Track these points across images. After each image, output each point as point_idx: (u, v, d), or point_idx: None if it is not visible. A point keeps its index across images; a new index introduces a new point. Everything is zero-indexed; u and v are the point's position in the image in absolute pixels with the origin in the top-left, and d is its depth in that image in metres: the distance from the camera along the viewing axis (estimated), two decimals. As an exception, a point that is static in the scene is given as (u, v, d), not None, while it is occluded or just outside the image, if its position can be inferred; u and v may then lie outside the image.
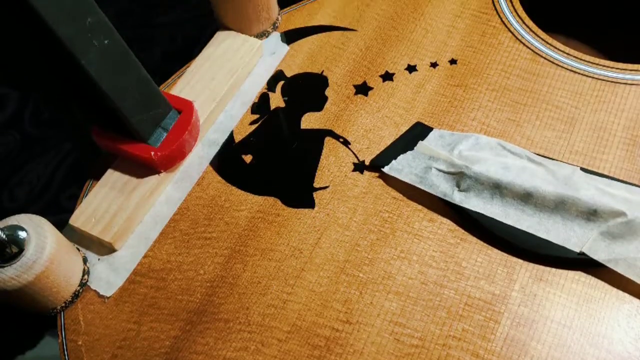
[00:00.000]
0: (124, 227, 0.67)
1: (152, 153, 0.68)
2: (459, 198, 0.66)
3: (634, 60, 0.76)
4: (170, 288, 0.65)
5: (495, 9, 0.81)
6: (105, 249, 0.68)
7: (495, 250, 0.64)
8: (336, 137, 0.73)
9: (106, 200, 0.68)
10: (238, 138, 0.74)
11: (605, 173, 0.67)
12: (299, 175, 0.71)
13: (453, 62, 0.77)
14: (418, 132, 0.71)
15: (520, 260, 0.63)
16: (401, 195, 0.68)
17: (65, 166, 1.12)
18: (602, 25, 0.98)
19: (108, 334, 0.63)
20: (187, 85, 0.76)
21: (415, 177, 0.68)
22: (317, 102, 0.76)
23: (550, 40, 0.78)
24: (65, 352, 0.64)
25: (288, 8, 0.85)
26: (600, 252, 0.61)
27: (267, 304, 0.63)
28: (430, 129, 0.71)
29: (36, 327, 0.74)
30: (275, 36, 0.82)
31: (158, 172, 0.70)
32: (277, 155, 0.73)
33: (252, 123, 0.75)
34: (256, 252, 0.66)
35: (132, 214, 0.67)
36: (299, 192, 0.70)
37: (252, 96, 0.78)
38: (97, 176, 0.71)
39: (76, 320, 0.64)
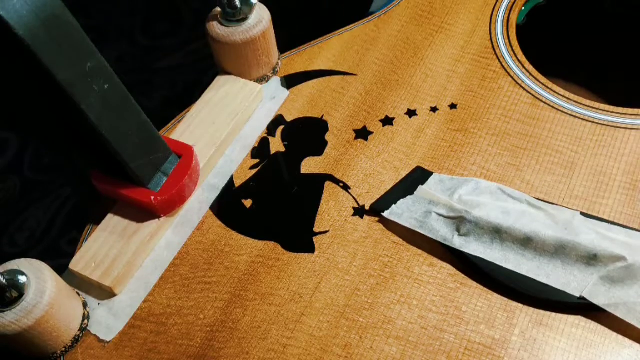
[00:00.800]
0: (124, 271, 0.68)
1: (152, 198, 0.69)
2: (459, 243, 0.67)
3: (633, 104, 0.78)
4: (170, 333, 0.66)
5: (495, 53, 0.83)
6: (105, 293, 0.69)
7: (495, 295, 0.65)
8: (336, 181, 0.74)
9: (106, 245, 0.69)
10: (238, 182, 0.76)
11: (605, 218, 0.68)
12: (299, 220, 0.72)
13: (453, 106, 0.79)
14: (418, 177, 0.73)
15: (520, 305, 0.64)
16: (401, 239, 0.69)
17: (65, 211, 1.13)
18: (601, 69, 0.99)
19: (107, 379, 0.65)
20: (187, 129, 0.78)
21: (415, 221, 0.69)
22: (317, 147, 0.77)
23: (550, 84, 0.79)
24: (65, 398, 0.65)
25: (288, 52, 0.87)
26: (600, 297, 0.62)
27: (267, 349, 0.64)
28: (430, 174, 0.73)
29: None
30: (275, 80, 0.84)
31: (158, 217, 0.71)
32: (277, 200, 0.74)
33: (252, 167, 0.77)
34: (256, 297, 0.67)
35: (132, 258, 0.69)
36: (299, 237, 0.71)
37: (252, 141, 0.79)
38: (97, 221, 0.72)
39: (76, 365, 0.65)
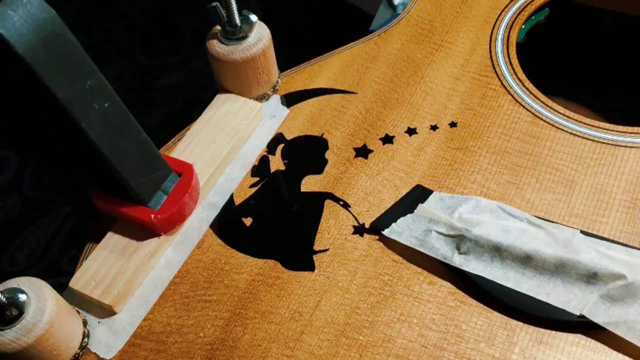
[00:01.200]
0: (124, 290, 0.69)
1: (152, 216, 0.70)
2: (459, 261, 0.68)
3: (633, 122, 0.78)
4: (170, 351, 0.66)
5: (495, 71, 0.84)
6: (105, 311, 0.69)
7: (495, 313, 0.66)
8: (336, 200, 0.75)
9: (106, 263, 0.70)
10: (238, 201, 0.76)
11: (605, 236, 0.69)
12: (299, 238, 0.73)
13: (453, 124, 0.79)
14: (418, 195, 0.74)
15: (520, 323, 0.65)
16: (401, 258, 0.70)
17: (65, 229, 1.14)
18: (601, 87, 1.00)
19: (107, 398, 0.65)
20: (187, 148, 0.78)
21: (415, 240, 0.70)
22: (317, 165, 0.78)
23: (550, 103, 0.80)
24: (64, 416, 0.65)
25: (288, 71, 0.87)
26: (600, 315, 0.63)
27: (267, 367, 0.65)
28: (430, 192, 0.74)
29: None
30: (275, 99, 0.85)
31: (158, 235, 0.72)
32: (277, 218, 0.75)
33: (252, 186, 0.77)
34: (256, 315, 0.68)
35: (132, 276, 0.69)
36: (299, 255, 0.72)
37: (252, 159, 0.80)
38: (97, 239, 0.73)
39: (75, 384, 0.66)
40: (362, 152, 0.78)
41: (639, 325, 0.62)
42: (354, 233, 0.72)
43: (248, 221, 0.75)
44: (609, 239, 0.68)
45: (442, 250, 0.69)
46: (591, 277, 0.64)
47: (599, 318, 0.63)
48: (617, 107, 0.96)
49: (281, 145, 0.80)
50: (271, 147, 0.80)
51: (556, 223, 0.70)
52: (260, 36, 0.80)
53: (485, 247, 0.67)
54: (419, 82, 0.84)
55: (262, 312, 0.68)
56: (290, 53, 0.94)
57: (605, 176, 0.73)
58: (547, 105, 0.80)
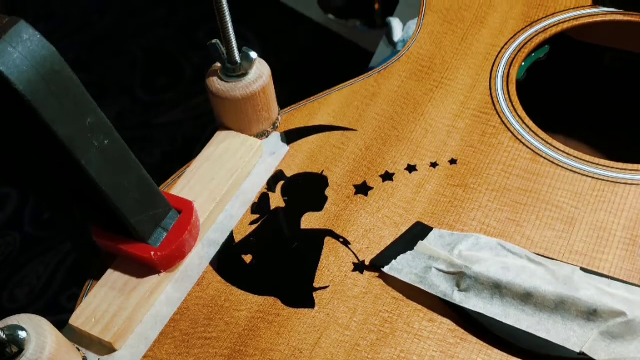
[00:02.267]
0: (124, 327, 0.69)
1: (152, 253, 0.71)
2: (459, 298, 0.68)
3: (633, 159, 0.79)
4: (169, 388, 0.67)
5: (495, 108, 0.85)
6: (105, 349, 0.70)
7: (496, 350, 0.66)
8: (336, 237, 0.76)
9: (106, 300, 0.71)
10: (238, 238, 0.77)
11: (605, 273, 0.70)
12: (299, 275, 0.74)
13: (453, 162, 0.80)
14: (418, 232, 0.74)
15: (520, 360, 0.66)
16: (401, 295, 0.71)
17: (65, 267, 1.15)
18: (601, 124, 1.01)
19: None
20: (187, 185, 0.79)
21: (415, 277, 0.70)
22: (317, 202, 0.79)
23: (550, 140, 0.81)
24: None
25: (288, 108, 0.88)
26: (600, 352, 0.64)
27: (266, 405, 0.65)
28: (430, 229, 0.74)
29: None
30: (275, 136, 0.86)
31: (158, 272, 0.73)
32: (277, 255, 0.75)
33: (252, 223, 0.78)
34: (256, 352, 0.68)
35: (132, 314, 0.70)
36: (299, 292, 0.72)
37: (252, 196, 0.81)
38: (97, 276, 0.74)
39: (74, 422, 0.66)
40: (362, 189, 0.79)
41: (639, 363, 0.63)
42: (354, 270, 0.73)
43: (248, 258, 0.75)
44: (609, 276, 0.69)
45: (442, 287, 0.69)
46: (591, 314, 0.65)
47: (599, 355, 0.63)
48: (617, 144, 0.97)
49: (281, 183, 0.81)
50: (271, 184, 0.81)
51: (556, 260, 0.70)
52: (260, 73, 0.81)
53: (485, 285, 0.68)
54: (419, 119, 0.85)
55: (262, 349, 0.68)
56: (290, 90, 0.96)
57: (605, 213, 0.74)
58: (547, 143, 0.81)
